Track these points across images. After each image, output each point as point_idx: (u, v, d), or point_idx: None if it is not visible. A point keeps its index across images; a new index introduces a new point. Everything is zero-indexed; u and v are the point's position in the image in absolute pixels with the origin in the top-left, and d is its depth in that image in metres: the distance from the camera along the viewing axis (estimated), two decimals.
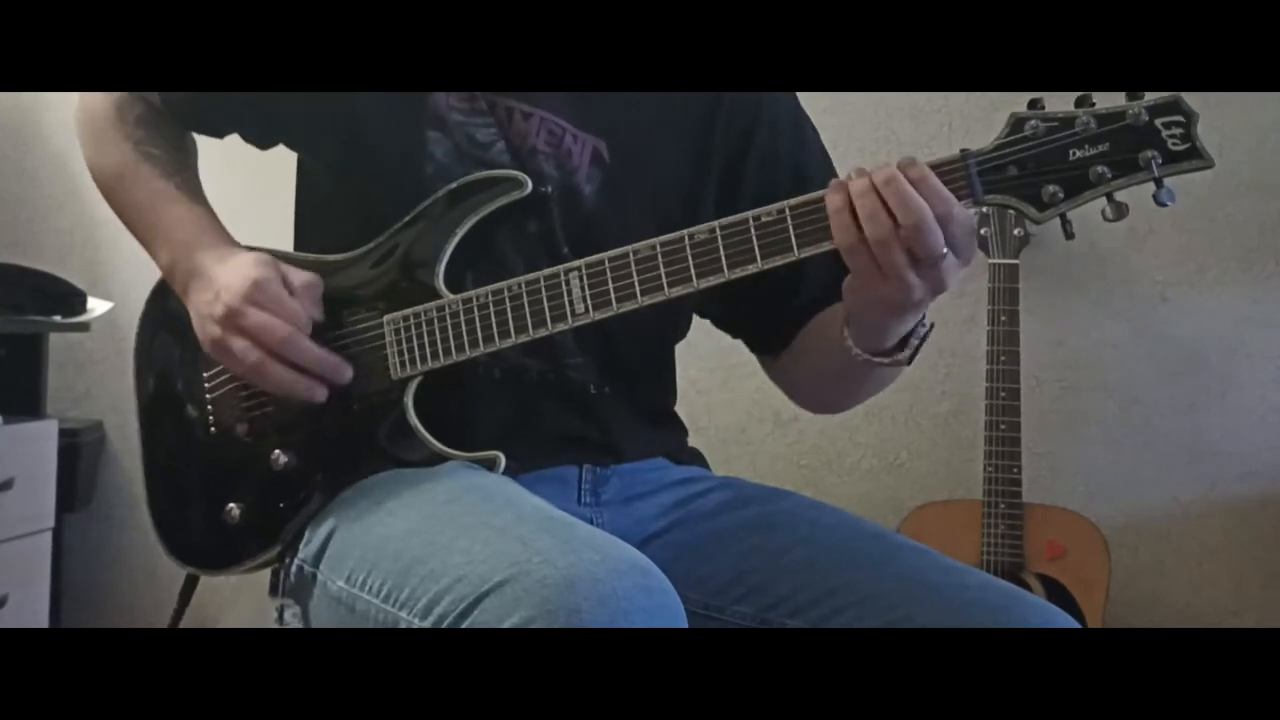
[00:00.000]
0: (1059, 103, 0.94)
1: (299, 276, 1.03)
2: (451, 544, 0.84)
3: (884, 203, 0.88)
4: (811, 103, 1.21)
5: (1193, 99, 0.90)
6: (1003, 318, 1.97)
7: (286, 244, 1.16)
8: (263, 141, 1.18)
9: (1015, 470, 1.93)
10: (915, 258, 0.89)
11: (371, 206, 1.07)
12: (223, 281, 1.02)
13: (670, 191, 1.11)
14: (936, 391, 2.20)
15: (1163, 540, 2.12)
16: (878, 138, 2.22)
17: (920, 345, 0.99)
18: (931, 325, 0.99)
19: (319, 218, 1.16)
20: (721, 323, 1.22)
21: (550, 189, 1.06)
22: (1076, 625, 0.93)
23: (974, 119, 2.17)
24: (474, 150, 1.07)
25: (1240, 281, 2.09)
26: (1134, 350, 2.13)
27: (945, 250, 0.88)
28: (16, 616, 1.94)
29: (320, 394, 1.02)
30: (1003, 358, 1.95)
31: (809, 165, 1.16)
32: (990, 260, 1.99)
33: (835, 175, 1.16)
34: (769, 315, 1.15)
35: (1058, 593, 1.89)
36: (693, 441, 1.22)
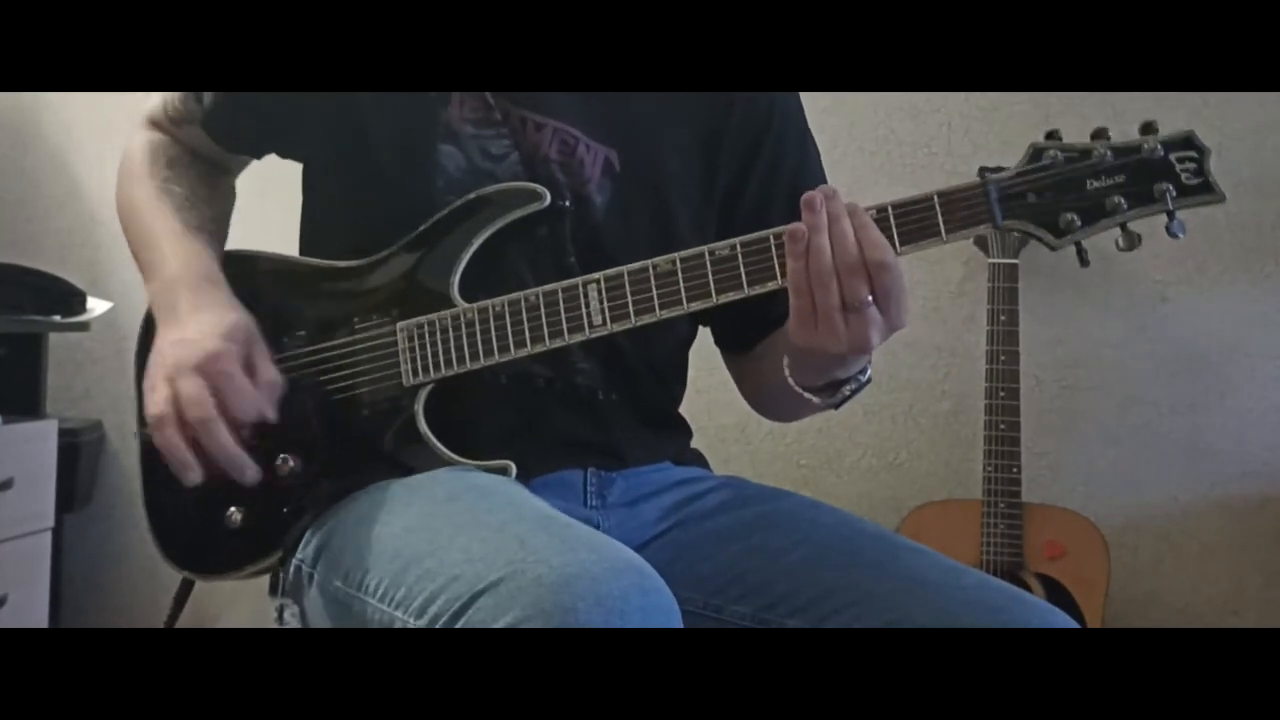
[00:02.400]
0: (1069, 113, 0.95)
1: (266, 372, 1.00)
2: (449, 543, 0.84)
3: (829, 239, 0.91)
4: (811, 103, 1.21)
5: (1193, 99, 0.91)
6: (1002, 317, 1.97)
7: (286, 244, 1.16)
8: (299, 157, 1.18)
9: (1015, 470, 1.93)
10: (844, 301, 0.90)
11: (380, 218, 1.07)
12: (188, 334, 1.00)
13: (678, 202, 1.11)
14: (936, 391, 2.20)
15: (1162, 540, 2.12)
16: (878, 137, 2.22)
17: (851, 395, 1.02)
18: (868, 380, 1.02)
19: (327, 227, 1.15)
20: (698, 315, 1.22)
21: (568, 202, 1.06)
22: (1075, 625, 0.93)
23: (974, 119, 2.17)
24: (486, 163, 1.07)
25: (1240, 281, 2.09)
26: (1134, 350, 2.13)
27: (869, 299, 0.90)
28: (16, 616, 1.94)
29: (196, 477, 0.97)
30: (1002, 357, 1.95)
31: (805, 186, 1.17)
32: (990, 260, 1.99)
33: None
34: (743, 320, 1.16)
35: (1057, 592, 1.89)
36: (693, 441, 1.22)
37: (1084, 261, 0.95)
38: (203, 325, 1.00)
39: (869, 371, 1.01)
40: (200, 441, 0.97)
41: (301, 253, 1.16)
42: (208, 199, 1.16)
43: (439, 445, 1.02)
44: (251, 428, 0.99)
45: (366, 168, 1.09)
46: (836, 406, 1.03)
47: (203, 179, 1.18)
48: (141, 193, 1.15)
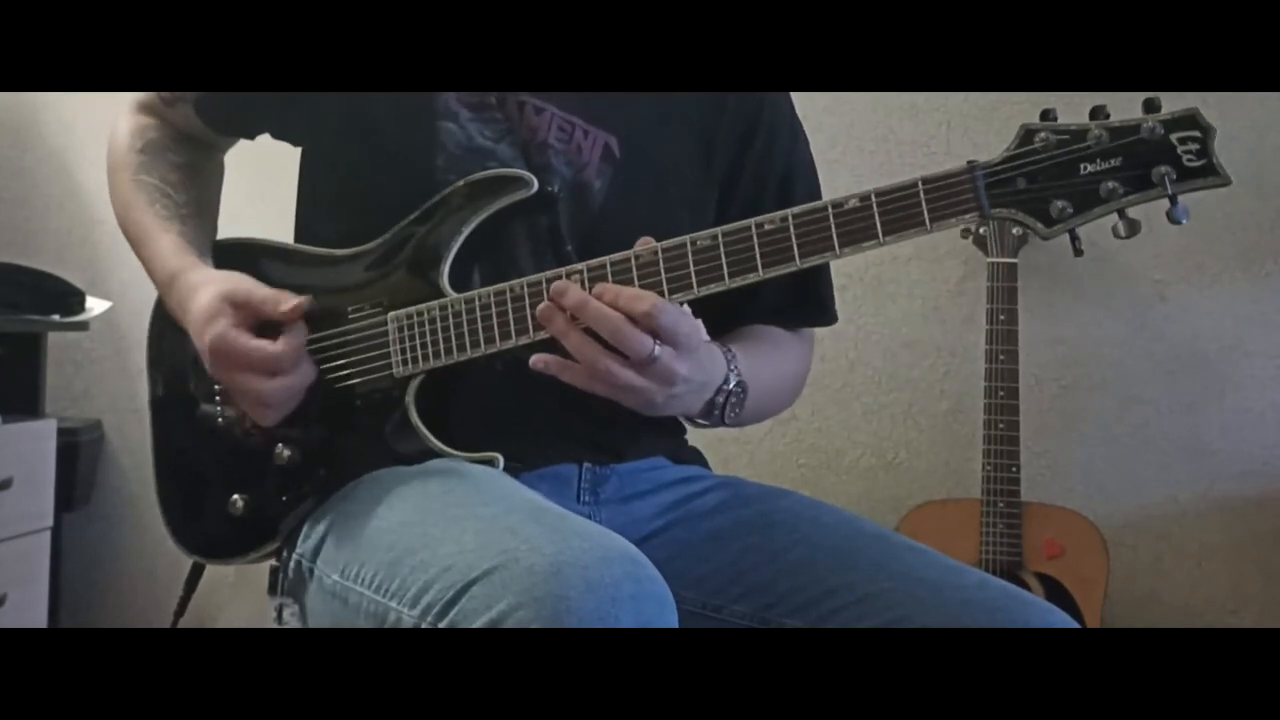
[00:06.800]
0: (1070, 111, 0.92)
1: (273, 298, 1.03)
2: (443, 535, 0.85)
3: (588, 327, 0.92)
4: (811, 102, 1.21)
5: (1192, 98, 0.90)
6: (1001, 316, 1.97)
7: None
8: (292, 138, 1.18)
9: (1014, 469, 1.93)
10: (629, 360, 0.92)
11: (381, 199, 1.07)
12: (195, 338, 1.05)
13: (678, 189, 1.11)
14: (935, 390, 2.20)
15: (1161, 539, 2.12)
16: (877, 137, 2.22)
17: (726, 407, 1.01)
18: (734, 388, 1.01)
19: (323, 211, 1.15)
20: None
21: (557, 188, 1.05)
22: (1075, 625, 0.93)
23: (973, 119, 2.17)
24: (486, 142, 1.07)
25: (1240, 280, 2.09)
26: (1133, 349, 2.13)
27: (654, 348, 0.91)
28: (15, 616, 1.94)
29: (275, 418, 1.05)
30: (1001, 356, 1.96)
31: (796, 174, 1.18)
32: (989, 259, 1.99)
33: (819, 188, 1.18)
34: (725, 313, 1.14)
35: (1057, 592, 1.89)
36: (692, 441, 1.22)
37: (1077, 251, 0.91)
38: (198, 323, 1.04)
39: (732, 381, 1.01)
40: (257, 403, 1.03)
41: (297, 238, 1.16)
42: (180, 184, 1.17)
43: (431, 438, 1.02)
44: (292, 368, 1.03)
45: (367, 144, 1.09)
46: (712, 425, 1.04)
47: (178, 164, 1.18)
48: (123, 188, 1.17)
